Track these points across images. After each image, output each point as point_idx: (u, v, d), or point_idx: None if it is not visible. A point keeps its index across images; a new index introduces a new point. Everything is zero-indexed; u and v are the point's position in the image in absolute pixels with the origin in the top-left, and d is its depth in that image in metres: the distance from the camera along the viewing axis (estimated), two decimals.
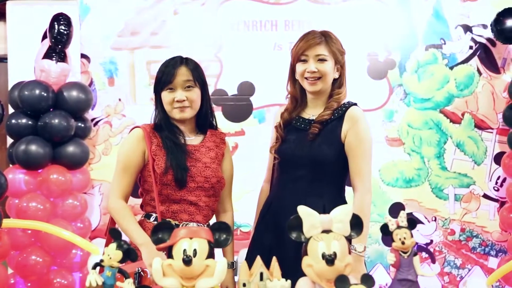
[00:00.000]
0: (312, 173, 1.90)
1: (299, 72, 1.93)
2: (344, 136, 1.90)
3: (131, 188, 1.88)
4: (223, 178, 1.91)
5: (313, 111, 1.97)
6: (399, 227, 1.42)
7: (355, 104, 1.96)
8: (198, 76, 1.87)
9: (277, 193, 1.98)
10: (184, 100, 1.83)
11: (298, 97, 1.99)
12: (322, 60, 1.91)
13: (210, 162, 1.88)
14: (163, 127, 1.87)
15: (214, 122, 1.98)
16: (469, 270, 3.23)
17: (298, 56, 1.93)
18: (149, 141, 1.83)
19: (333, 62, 1.93)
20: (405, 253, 1.42)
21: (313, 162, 1.89)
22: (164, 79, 1.84)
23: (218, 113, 3.31)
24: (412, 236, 1.42)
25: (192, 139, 1.91)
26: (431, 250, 3.25)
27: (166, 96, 1.85)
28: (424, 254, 3.23)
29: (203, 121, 1.93)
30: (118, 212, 1.83)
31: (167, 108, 1.86)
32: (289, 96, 2.03)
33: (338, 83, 1.96)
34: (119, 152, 1.92)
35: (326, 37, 1.94)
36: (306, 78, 1.92)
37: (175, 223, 1.80)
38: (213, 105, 3.19)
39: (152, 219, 1.86)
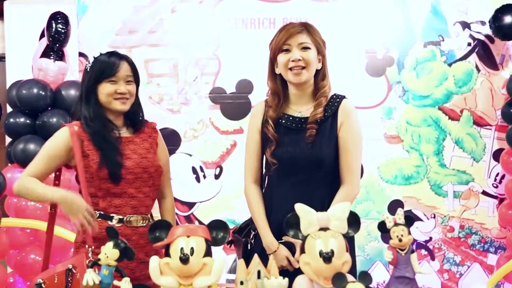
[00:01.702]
0: (313, 175, 1.82)
1: (282, 62, 1.83)
2: (338, 131, 1.85)
3: (44, 177, 1.88)
4: (160, 166, 1.94)
5: (298, 107, 1.88)
6: (396, 224, 1.42)
7: (345, 97, 1.89)
8: (136, 73, 1.94)
9: (277, 198, 1.86)
10: (126, 93, 1.87)
11: (280, 93, 1.88)
12: (306, 48, 1.83)
13: (146, 153, 1.91)
14: (95, 122, 1.87)
15: (142, 117, 2.00)
16: (468, 267, 3.24)
17: (279, 47, 1.84)
18: (77, 140, 1.84)
19: (316, 52, 1.85)
20: (402, 250, 1.41)
21: (316, 164, 1.81)
22: (108, 71, 1.86)
23: (216, 111, 3.33)
24: (409, 233, 1.42)
25: (124, 131, 1.93)
26: (430, 247, 3.25)
27: (107, 87, 1.86)
28: (423, 251, 3.23)
29: (134, 116, 1.95)
30: (26, 184, 1.83)
31: (106, 99, 1.86)
32: (269, 93, 1.92)
33: (321, 74, 1.88)
34: (44, 145, 1.93)
35: (306, 26, 1.88)
36: (290, 68, 1.82)
37: (119, 218, 1.82)
38: (211, 103, 3.30)
39: (96, 216, 1.84)
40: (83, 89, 1.90)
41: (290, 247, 1.75)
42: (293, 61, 1.81)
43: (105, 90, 1.86)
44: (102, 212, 1.84)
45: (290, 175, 1.83)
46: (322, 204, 1.73)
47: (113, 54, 1.92)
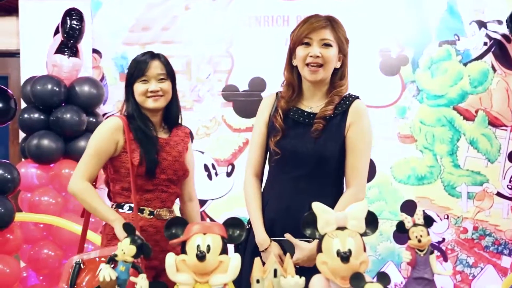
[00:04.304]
0: (315, 172, 1.76)
1: (301, 56, 1.77)
2: (347, 131, 1.78)
3: (97, 174, 1.95)
4: (188, 171, 2.02)
5: (310, 103, 1.82)
6: (415, 224, 1.41)
7: (358, 98, 1.83)
8: (170, 70, 1.98)
9: (274, 192, 1.82)
10: (158, 91, 1.91)
11: (295, 85, 1.83)
12: (327, 45, 1.75)
13: (178, 156, 1.98)
14: (136, 119, 1.93)
15: (180, 119, 2.06)
16: (482, 269, 3.20)
17: (300, 39, 1.77)
18: (128, 132, 1.90)
19: (337, 50, 1.78)
20: (421, 251, 1.40)
21: (318, 160, 1.75)
22: (138, 71, 1.92)
23: (229, 109, 3.33)
24: (428, 234, 1.40)
25: (161, 132, 2.00)
26: (443, 248, 3.22)
27: (139, 87, 1.92)
28: (436, 253, 3.21)
29: (171, 115, 2.00)
30: (85, 192, 1.89)
31: (139, 98, 1.92)
32: (284, 83, 1.87)
33: (340, 74, 1.81)
34: (93, 137, 1.96)
35: (332, 22, 1.79)
36: (307, 64, 1.76)
37: (149, 211, 1.90)
38: (224, 101, 3.30)
39: (126, 208, 1.92)
40: (125, 89, 1.98)
41: (282, 245, 1.73)
42: (311, 56, 1.75)
43: (138, 90, 1.93)
44: (132, 205, 1.91)
45: (291, 169, 1.78)
46: (323, 203, 1.57)
47: (146, 53, 1.98)
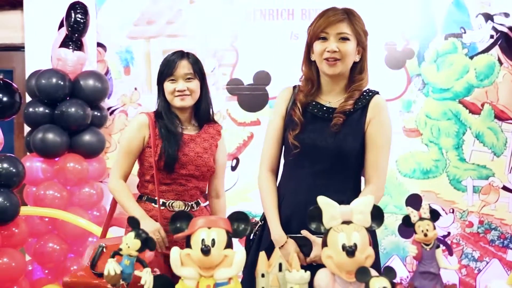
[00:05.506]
0: (334, 167, 1.74)
1: (318, 51, 1.74)
2: (367, 126, 1.76)
3: (130, 170, 2.06)
4: (213, 167, 2.07)
5: (329, 97, 1.81)
6: (421, 218, 1.40)
7: (378, 93, 1.81)
8: (198, 70, 2.04)
9: (291, 187, 1.80)
10: (184, 90, 1.99)
11: (314, 80, 1.81)
12: (344, 39, 1.72)
13: (203, 152, 2.03)
14: (163, 116, 2.03)
15: (211, 116, 2.13)
16: (487, 263, 3.20)
17: (317, 34, 1.74)
18: (153, 128, 1.99)
19: (355, 43, 1.75)
20: (427, 245, 1.39)
21: (337, 155, 1.73)
22: (166, 71, 2.01)
23: (233, 103, 3.32)
24: (434, 228, 1.39)
25: (189, 129, 2.06)
26: (449, 242, 3.21)
27: (168, 86, 2.01)
28: (441, 246, 3.20)
29: (201, 113, 2.07)
30: (118, 191, 2.01)
31: (168, 97, 2.02)
32: (303, 78, 1.85)
33: (359, 67, 1.78)
34: (123, 135, 2.09)
35: (349, 14, 1.76)
36: (325, 59, 1.73)
37: (162, 201, 1.99)
38: (229, 95, 3.29)
39: (143, 199, 2.05)
40: (157, 87, 2.08)
41: (299, 242, 1.71)
42: (328, 51, 1.73)
43: (167, 89, 2.02)
44: (149, 196, 2.02)
45: (309, 164, 1.76)
46: (341, 199, 1.55)
47: (175, 53, 2.05)
